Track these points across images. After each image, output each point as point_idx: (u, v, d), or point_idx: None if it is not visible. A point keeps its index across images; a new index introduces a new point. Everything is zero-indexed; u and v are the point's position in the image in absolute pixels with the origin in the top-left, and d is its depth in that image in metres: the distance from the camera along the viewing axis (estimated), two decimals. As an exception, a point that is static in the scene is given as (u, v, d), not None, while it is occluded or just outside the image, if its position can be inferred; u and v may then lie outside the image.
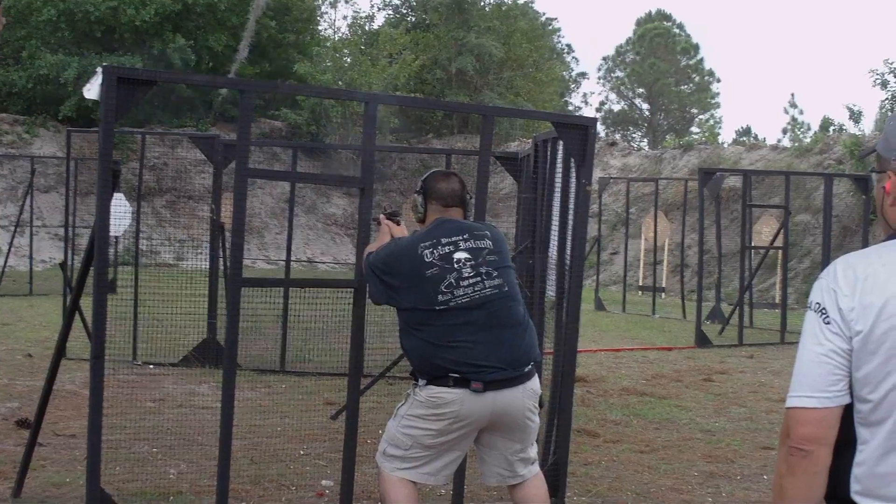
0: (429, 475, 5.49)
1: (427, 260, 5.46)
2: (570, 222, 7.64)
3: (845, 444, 2.72)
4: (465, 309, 5.40)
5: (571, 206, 7.62)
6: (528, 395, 5.48)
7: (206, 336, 12.87)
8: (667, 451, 9.20)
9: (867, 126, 35.22)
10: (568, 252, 7.70)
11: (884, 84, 33.35)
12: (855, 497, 2.70)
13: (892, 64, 33.03)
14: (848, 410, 2.71)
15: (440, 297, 5.38)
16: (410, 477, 5.46)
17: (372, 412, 9.94)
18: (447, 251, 5.50)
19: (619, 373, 13.75)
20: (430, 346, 5.35)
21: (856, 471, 2.70)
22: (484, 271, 5.50)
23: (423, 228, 5.72)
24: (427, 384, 5.34)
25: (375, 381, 10.21)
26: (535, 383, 5.54)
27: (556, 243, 8.30)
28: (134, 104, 5.97)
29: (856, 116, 34.98)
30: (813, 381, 2.70)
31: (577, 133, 7.13)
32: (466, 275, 5.45)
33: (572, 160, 7.35)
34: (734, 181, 27.82)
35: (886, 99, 33.52)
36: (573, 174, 7.39)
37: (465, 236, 5.60)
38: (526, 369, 5.48)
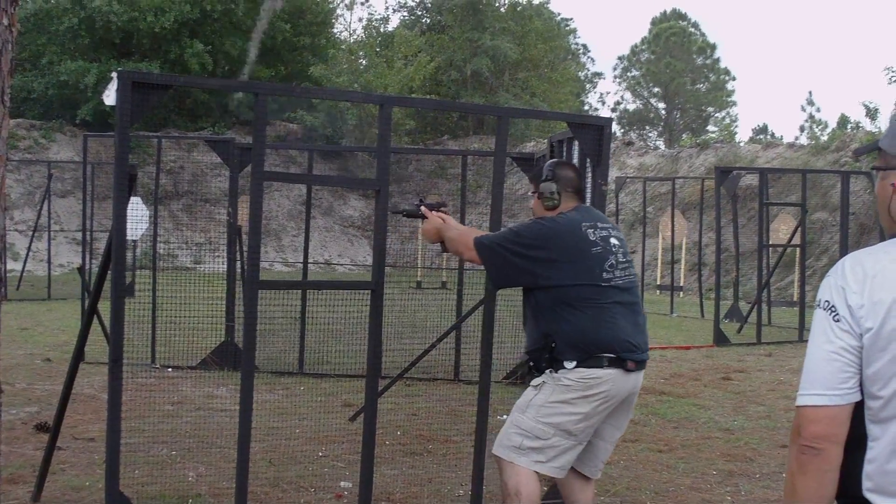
0: (560, 469, 5.49)
1: (591, 238, 5.54)
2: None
3: (856, 442, 2.71)
4: (621, 290, 5.51)
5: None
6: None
7: (224, 339, 12.90)
8: (685, 450, 9.18)
9: (883, 123, 35.06)
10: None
11: (900, 81, 33.29)
12: (867, 494, 2.70)
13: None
14: (858, 408, 2.71)
15: (605, 274, 5.47)
16: (544, 470, 5.47)
17: (390, 413, 9.99)
18: (604, 234, 5.61)
19: (637, 372, 13.72)
20: (592, 323, 5.38)
21: (867, 468, 2.70)
22: (628, 260, 5.67)
23: (562, 213, 5.68)
24: (577, 366, 5.35)
25: (394, 383, 10.21)
26: None
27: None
28: (149, 108, 5.99)
29: (872, 113, 34.89)
30: (823, 379, 2.70)
31: (593, 133, 7.12)
32: (620, 259, 5.57)
33: (588, 160, 7.34)
34: (751, 179, 27.77)
35: (903, 95, 33.44)
36: (589, 174, 7.38)
37: (611, 225, 5.74)
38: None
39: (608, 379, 5.35)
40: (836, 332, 2.70)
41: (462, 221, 12.23)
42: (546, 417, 5.39)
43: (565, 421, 5.38)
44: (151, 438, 8.79)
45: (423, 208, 6.06)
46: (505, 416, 10.32)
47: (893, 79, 33.33)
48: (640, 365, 5.51)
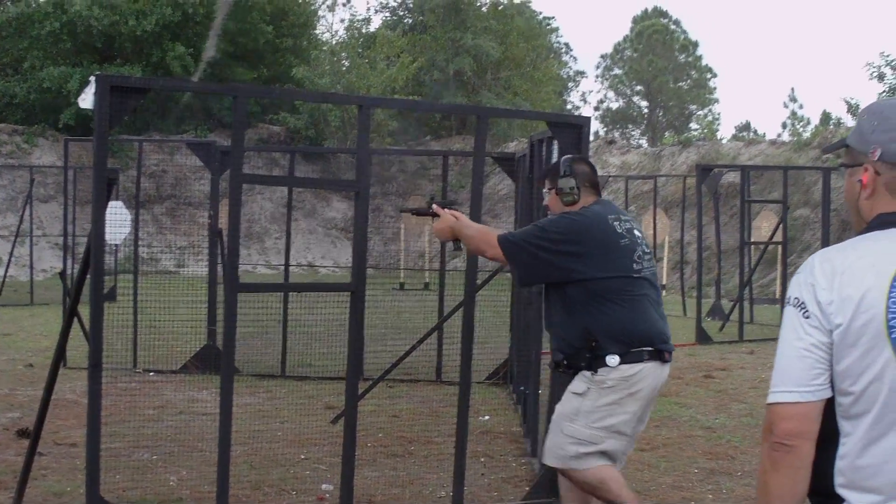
0: (620, 464, 5.65)
1: (618, 230, 5.58)
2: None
3: (828, 438, 2.73)
4: (648, 282, 5.58)
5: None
6: None
7: (206, 342, 12.89)
8: (667, 448, 9.21)
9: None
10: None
11: (881, 77, 33.50)
12: (839, 490, 2.72)
13: (888, 57, 33.15)
14: (830, 404, 2.73)
15: (635, 265, 5.51)
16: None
17: (372, 415, 9.99)
18: (628, 227, 5.66)
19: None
20: (631, 315, 5.44)
21: (839, 464, 2.72)
22: (650, 252, 5.75)
23: (586, 207, 5.70)
24: (620, 363, 5.38)
25: (375, 385, 10.20)
26: None
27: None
28: (127, 112, 5.99)
29: (853, 110, 35.00)
30: (794, 376, 2.72)
31: (572, 132, 7.15)
32: (645, 250, 5.64)
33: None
34: (733, 177, 27.77)
35: (884, 92, 33.57)
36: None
37: (631, 218, 5.80)
38: None
39: (648, 373, 5.43)
40: (806, 329, 2.72)
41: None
42: (598, 422, 5.44)
43: (617, 422, 5.45)
44: (133, 443, 8.79)
45: (434, 206, 6.02)
46: (487, 417, 10.39)
47: (875, 74, 33.52)
48: (671, 356, 5.61)
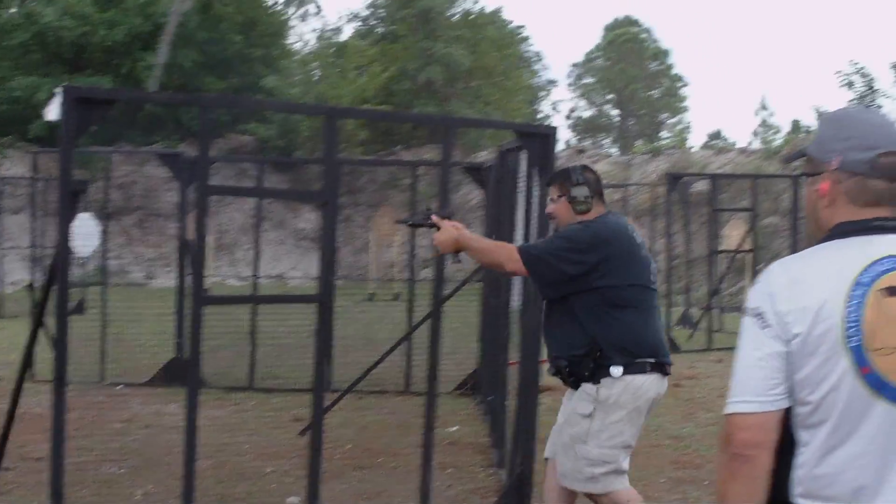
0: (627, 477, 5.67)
1: (637, 241, 5.66)
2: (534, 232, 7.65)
3: (785, 448, 2.74)
4: (657, 295, 5.67)
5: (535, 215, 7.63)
6: None
7: (174, 355, 12.84)
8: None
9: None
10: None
11: (850, 85, 33.67)
12: (797, 499, 2.73)
13: (857, 65, 33.37)
14: (787, 413, 2.74)
15: (650, 276, 5.58)
16: (623, 484, 5.57)
17: (340, 427, 9.97)
18: (641, 241, 5.72)
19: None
20: (639, 324, 5.47)
21: (797, 473, 2.73)
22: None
23: (602, 217, 5.72)
24: (623, 374, 5.39)
25: (342, 397, 10.18)
26: None
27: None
28: (93, 124, 5.96)
29: (868, 108, 35.16)
30: (752, 386, 2.73)
31: (540, 142, 7.14)
32: (653, 264, 5.69)
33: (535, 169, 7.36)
34: (702, 185, 27.85)
35: (853, 100, 33.77)
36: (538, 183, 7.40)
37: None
38: None
39: (651, 385, 5.46)
40: (763, 339, 2.72)
41: (413, 235, 12.25)
42: (609, 440, 5.46)
43: (627, 438, 5.49)
44: (100, 456, 8.76)
45: (434, 217, 5.92)
46: (456, 428, 10.38)
47: (845, 82, 33.73)
48: (670, 370, 5.63)
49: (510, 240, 8.46)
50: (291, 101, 35.82)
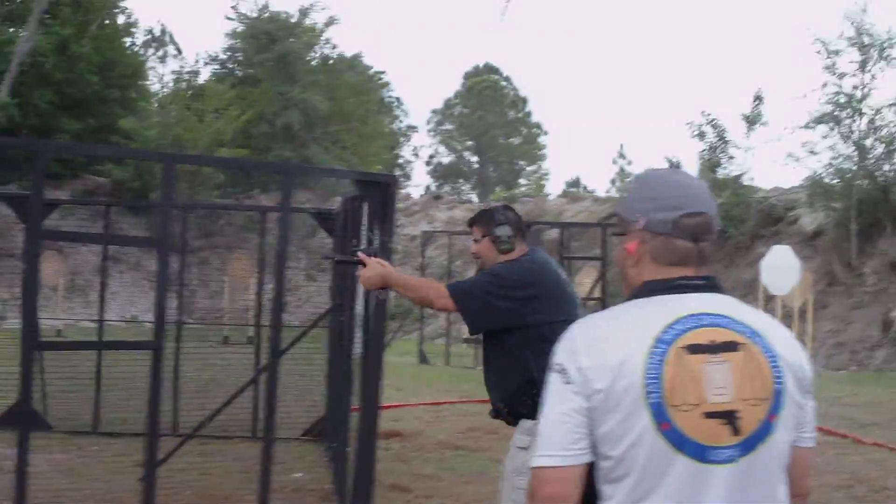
0: None
1: (563, 277, 5.64)
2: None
3: (590, 502, 2.79)
4: None
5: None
6: None
7: (18, 399, 12.60)
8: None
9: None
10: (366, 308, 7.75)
11: (702, 135, 34.40)
12: None
13: (708, 115, 34.16)
14: (592, 468, 2.78)
15: (577, 311, 5.48)
16: None
17: (183, 473, 9.84)
18: (565, 278, 5.71)
19: (436, 426, 13.80)
20: None
21: None
22: None
23: (527, 254, 5.73)
24: None
25: (185, 442, 10.06)
26: None
27: (362, 300, 8.33)
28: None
29: (675, 167, 35.87)
30: (556, 441, 2.75)
31: (380, 190, 7.22)
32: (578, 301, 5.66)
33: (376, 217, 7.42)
34: (555, 233, 28.23)
35: (705, 150, 34.54)
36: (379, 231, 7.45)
37: None
38: None
39: None
40: (566, 394, 2.75)
41: (279, 281, 12.23)
42: None
43: None
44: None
45: (360, 254, 5.89)
46: (301, 474, 10.35)
47: (696, 133, 34.47)
48: None
49: (351, 285, 8.52)
50: (128, 147, 35.67)
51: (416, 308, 25.36)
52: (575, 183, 70.19)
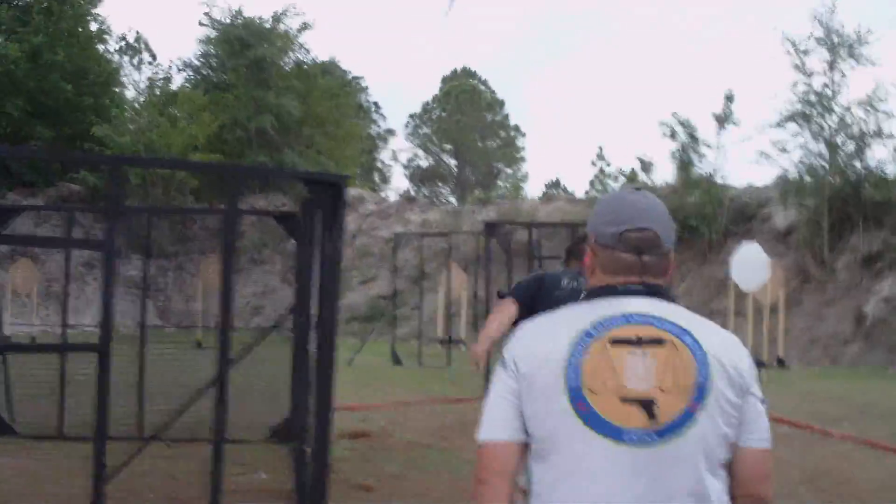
0: None
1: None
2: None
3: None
4: None
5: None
6: None
7: (-17, 405, 12.65)
8: (441, 502, 9.33)
9: (657, 176, 36.50)
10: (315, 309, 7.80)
11: (673, 135, 34.59)
12: None
13: (678, 116, 34.36)
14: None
15: None
16: None
17: (147, 476, 9.87)
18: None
19: (405, 426, 13.86)
20: None
21: (533, 503, 2.94)
22: None
23: None
24: None
25: (147, 444, 10.10)
26: None
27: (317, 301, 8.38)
28: None
29: (647, 167, 36.14)
30: (494, 418, 2.96)
31: (329, 190, 7.25)
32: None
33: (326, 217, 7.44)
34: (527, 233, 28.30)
35: (677, 150, 34.72)
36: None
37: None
38: None
39: None
40: (504, 378, 2.97)
41: (227, 282, 12.29)
42: None
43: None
44: None
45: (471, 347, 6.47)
46: (261, 474, 10.38)
47: (668, 133, 34.65)
48: None
49: (309, 288, 8.58)
50: (81, 153, 35.93)
51: (387, 310, 25.48)
52: (555, 184, 70.27)
